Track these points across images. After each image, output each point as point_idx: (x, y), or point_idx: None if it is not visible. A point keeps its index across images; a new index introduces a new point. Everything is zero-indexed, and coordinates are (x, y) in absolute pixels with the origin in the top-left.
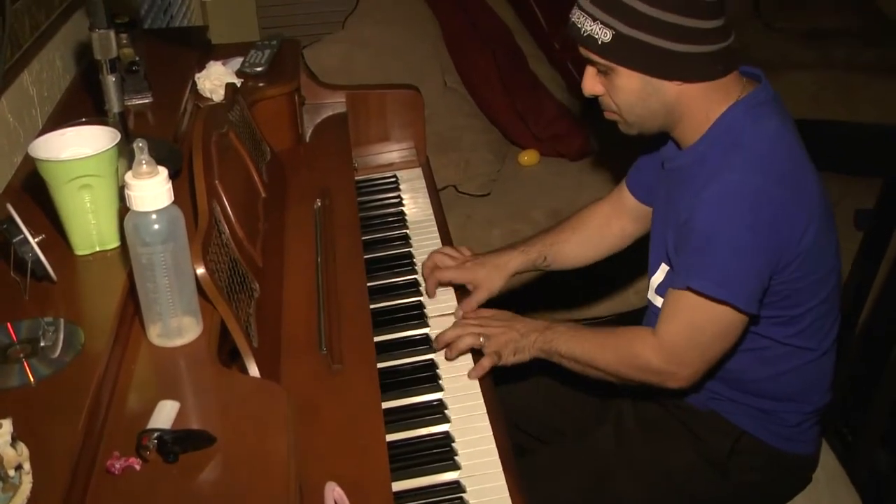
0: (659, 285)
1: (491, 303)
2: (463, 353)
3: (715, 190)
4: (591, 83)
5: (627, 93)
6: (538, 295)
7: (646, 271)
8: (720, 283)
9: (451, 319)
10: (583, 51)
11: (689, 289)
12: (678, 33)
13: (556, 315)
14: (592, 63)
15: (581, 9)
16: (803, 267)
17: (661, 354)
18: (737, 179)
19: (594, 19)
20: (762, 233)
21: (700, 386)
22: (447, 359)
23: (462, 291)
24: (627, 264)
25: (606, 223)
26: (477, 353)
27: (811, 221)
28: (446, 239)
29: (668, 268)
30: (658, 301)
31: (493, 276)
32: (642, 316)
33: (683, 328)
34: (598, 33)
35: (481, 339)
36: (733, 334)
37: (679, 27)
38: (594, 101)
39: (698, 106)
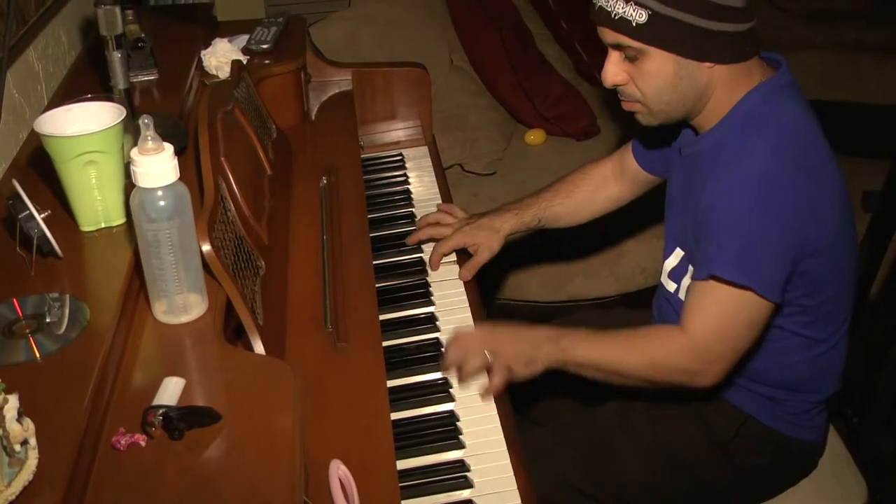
0: (672, 270)
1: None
2: (473, 376)
3: (737, 176)
4: (615, 72)
5: (658, 78)
6: (540, 273)
7: (651, 251)
8: (743, 269)
9: (456, 293)
10: (610, 35)
11: (712, 277)
12: (713, 11)
13: (557, 294)
14: (619, 48)
15: None
16: (822, 256)
17: (690, 352)
18: (759, 165)
19: (627, 0)
20: (785, 220)
21: None
22: (460, 384)
23: (463, 255)
24: (630, 243)
25: (604, 184)
26: None
27: (833, 209)
28: None
29: (682, 253)
30: (671, 286)
31: (491, 237)
32: (649, 297)
33: (712, 321)
34: (631, 15)
35: (489, 357)
36: (759, 324)
37: (714, 4)
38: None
39: (724, 90)
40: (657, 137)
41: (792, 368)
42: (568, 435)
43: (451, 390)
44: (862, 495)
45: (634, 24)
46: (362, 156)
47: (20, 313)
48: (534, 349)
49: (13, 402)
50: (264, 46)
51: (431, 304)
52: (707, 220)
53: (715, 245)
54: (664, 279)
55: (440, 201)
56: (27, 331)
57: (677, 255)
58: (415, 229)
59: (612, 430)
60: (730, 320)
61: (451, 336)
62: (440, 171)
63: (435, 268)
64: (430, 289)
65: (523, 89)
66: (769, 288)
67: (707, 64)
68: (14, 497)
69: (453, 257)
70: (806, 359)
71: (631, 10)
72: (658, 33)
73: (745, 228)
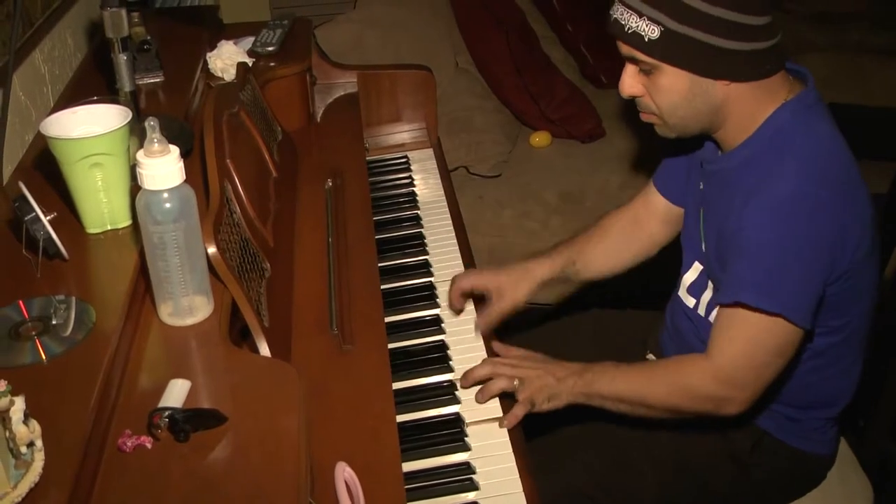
0: (691, 284)
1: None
2: (495, 396)
3: (767, 198)
4: (631, 83)
5: (672, 93)
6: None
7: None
8: (773, 295)
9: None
10: (625, 49)
11: (739, 304)
12: (728, 29)
13: (564, 295)
14: (635, 61)
15: (624, 4)
16: (852, 279)
17: (717, 379)
18: (790, 188)
19: (640, 15)
20: (817, 244)
21: None
22: (478, 401)
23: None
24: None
25: (634, 228)
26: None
27: (864, 232)
28: (457, 219)
29: (701, 267)
30: (690, 301)
31: (518, 283)
32: (657, 298)
33: (739, 348)
34: (644, 30)
35: (515, 383)
36: (789, 351)
37: (730, 23)
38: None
39: (745, 107)
40: (677, 164)
41: (813, 388)
42: (581, 443)
43: (456, 393)
44: (868, 499)
45: (647, 40)
46: (367, 158)
47: (26, 315)
48: (559, 383)
49: (19, 403)
50: (270, 49)
51: (437, 306)
52: (735, 243)
53: (743, 270)
54: (682, 293)
55: (445, 203)
56: (33, 333)
57: (696, 270)
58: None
59: (628, 440)
60: (758, 348)
61: (481, 365)
62: (445, 174)
63: (455, 309)
64: (436, 291)
65: (529, 92)
66: (800, 314)
67: (723, 82)
68: (20, 499)
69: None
70: (827, 378)
71: (644, 24)
72: (670, 50)
73: (774, 253)
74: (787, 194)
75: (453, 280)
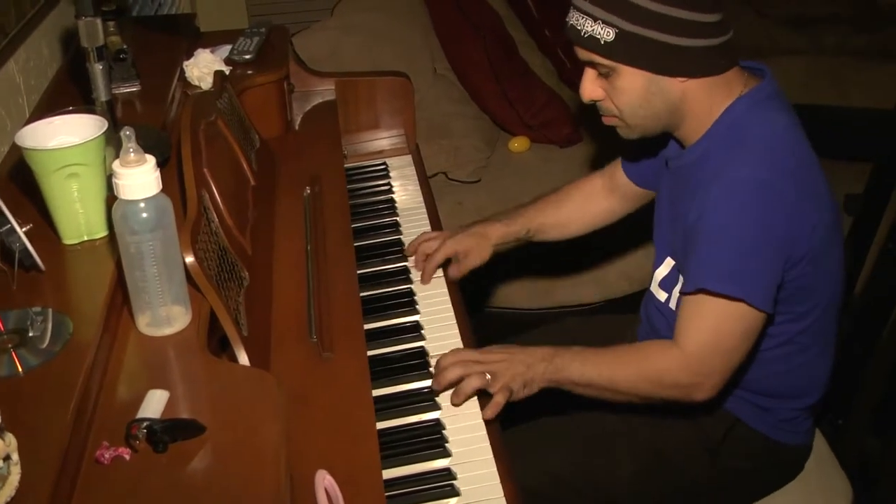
0: (663, 279)
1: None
2: (470, 397)
3: (723, 186)
4: (591, 88)
5: (631, 94)
6: (526, 281)
7: (636, 258)
8: (734, 280)
9: (442, 305)
10: (583, 53)
11: (702, 290)
12: (681, 28)
13: (543, 301)
14: (593, 65)
15: (578, 10)
16: (812, 263)
17: (685, 366)
18: (744, 175)
19: (595, 19)
20: (773, 229)
21: None
22: (454, 404)
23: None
24: (615, 250)
25: (595, 198)
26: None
27: (820, 217)
28: (436, 226)
29: (672, 262)
30: (662, 295)
31: (481, 244)
32: (636, 303)
33: (705, 334)
34: (599, 33)
35: (487, 378)
36: (753, 335)
37: (682, 21)
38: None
39: (702, 103)
40: (646, 151)
41: (781, 377)
42: (561, 429)
43: (436, 399)
44: (847, 496)
45: (603, 42)
46: (346, 165)
47: (2, 328)
48: (529, 370)
49: None
50: (247, 57)
51: (416, 312)
52: (695, 233)
53: (703, 257)
54: (654, 288)
55: (424, 210)
56: (9, 345)
57: (668, 265)
58: (405, 255)
59: (607, 428)
60: (723, 333)
61: (446, 356)
62: (424, 180)
63: (426, 281)
64: (415, 297)
65: (507, 97)
66: (760, 298)
67: (679, 79)
68: None
69: (440, 272)
70: (796, 367)
71: (599, 28)
72: (626, 51)
73: (733, 239)
74: (742, 181)
75: (416, 247)
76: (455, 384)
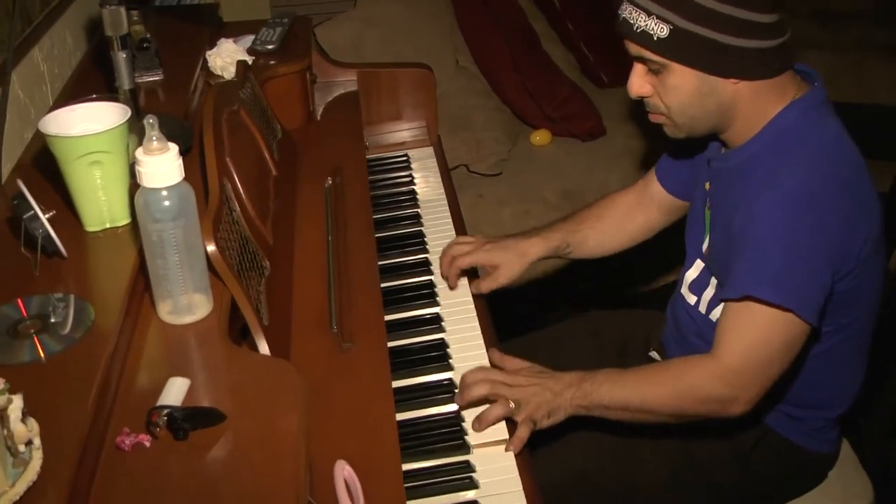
0: (693, 282)
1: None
2: (492, 424)
3: (776, 194)
4: (640, 83)
5: (682, 92)
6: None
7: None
8: (785, 289)
9: (466, 306)
10: (634, 48)
11: (748, 297)
12: (738, 27)
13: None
14: (643, 61)
15: (633, 3)
16: (859, 276)
17: (723, 378)
18: (798, 184)
19: (649, 14)
20: (826, 241)
21: None
22: (475, 430)
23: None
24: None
25: (631, 213)
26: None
27: (870, 228)
28: (457, 218)
29: (703, 265)
30: (691, 298)
31: (514, 261)
32: (659, 300)
33: (747, 343)
34: (653, 28)
35: (511, 406)
36: (796, 348)
37: (739, 20)
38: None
39: (753, 106)
40: (681, 156)
41: (817, 388)
42: (586, 426)
43: (456, 391)
44: (868, 498)
45: (656, 38)
46: (367, 156)
47: (25, 313)
48: (556, 397)
49: (17, 402)
50: (270, 47)
51: (437, 304)
52: (743, 239)
53: (753, 265)
54: (684, 290)
55: (446, 202)
56: (32, 331)
57: (697, 267)
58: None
59: (635, 430)
60: (766, 343)
61: (472, 373)
62: (446, 172)
63: (452, 285)
64: (436, 289)
65: (529, 90)
66: (809, 309)
67: (732, 80)
68: (18, 497)
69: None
70: (832, 378)
71: (653, 23)
72: (679, 48)
73: (784, 247)
74: (795, 191)
75: (447, 251)
76: (479, 402)
